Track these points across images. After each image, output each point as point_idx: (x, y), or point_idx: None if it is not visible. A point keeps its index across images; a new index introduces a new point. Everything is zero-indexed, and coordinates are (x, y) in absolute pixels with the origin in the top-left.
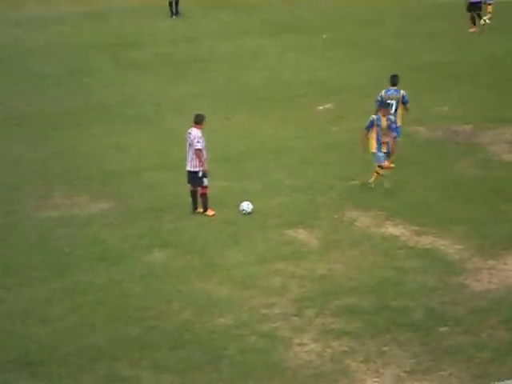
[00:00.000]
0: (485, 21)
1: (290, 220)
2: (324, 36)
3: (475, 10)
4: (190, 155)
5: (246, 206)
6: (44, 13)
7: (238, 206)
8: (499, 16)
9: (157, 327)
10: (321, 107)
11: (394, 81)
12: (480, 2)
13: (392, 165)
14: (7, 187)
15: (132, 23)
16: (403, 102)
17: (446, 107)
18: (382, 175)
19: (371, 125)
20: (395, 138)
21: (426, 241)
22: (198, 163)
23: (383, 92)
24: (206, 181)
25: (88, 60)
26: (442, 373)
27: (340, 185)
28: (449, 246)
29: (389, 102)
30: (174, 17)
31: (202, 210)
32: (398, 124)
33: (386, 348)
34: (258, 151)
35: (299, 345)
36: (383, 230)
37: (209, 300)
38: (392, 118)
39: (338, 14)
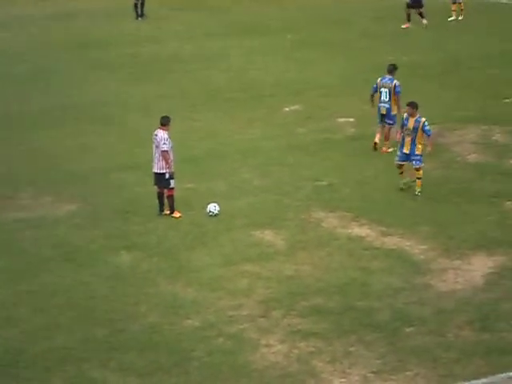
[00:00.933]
0: (425, 24)
1: (256, 221)
2: (288, 36)
3: (415, 7)
4: (157, 157)
5: (213, 207)
6: (10, 14)
7: (205, 207)
8: (466, 16)
9: (124, 329)
10: (288, 108)
11: (390, 69)
12: (420, 1)
13: (390, 149)
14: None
15: (98, 24)
16: (396, 92)
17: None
18: (401, 173)
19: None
20: (391, 125)
21: (391, 241)
22: (164, 165)
23: (379, 79)
24: (172, 182)
25: (55, 60)
26: (408, 373)
27: (307, 185)
28: (414, 247)
29: (382, 90)
30: (140, 19)
31: (168, 212)
32: (394, 112)
33: (352, 348)
34: (224, 152)
35: (266, 346)
36: (349, 231)
37: (176, 302)
38: (420, 119)
39: (305, 14)
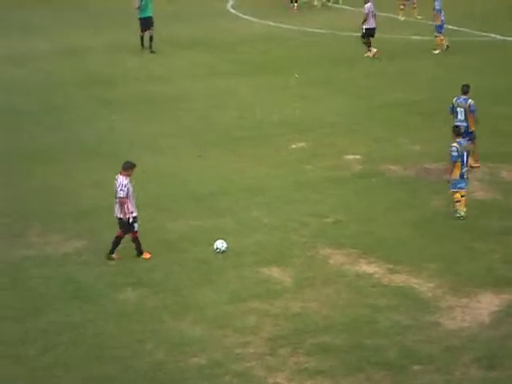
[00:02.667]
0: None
1: (263, 258)
2: (296, 75)
3: (370, 35)
4: (117, 202)
5: (220, 244)
6: (21, 50)
7: (212, 244)
8: (474, 54)
9: (131, 367)
10: (294, 146)
11: (465, 90)
12: (374, 29)
13: (477, 164)
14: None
15: (106, 61)
16: (470, 110)
17: (418, 146)
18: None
19: (457, 157)
20: (471, 141)
21: (399, 279)
22: (121, 211)
23: (454, 99)
24: (136, 226)
25: (64, 97)
26: None
27: (314, 222)
28: (422, 284)
29: (458, 109)
30: (144, 48)
31: (117, 256)
32: (472, 129)
33: None
34: (230, 189)
35: None
36: (357, 268)
37: (182, 339)
38: (463, 142)
39: (311, 53)
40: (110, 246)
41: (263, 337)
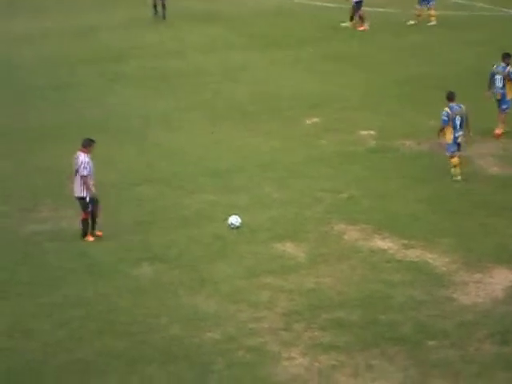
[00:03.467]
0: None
1: (278, 234)
2: (311, 50)
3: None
4: (77, 180)
5: (235, 220)
6: (30, 28)
7: (226, 220)
8: (487, 29)
9: (145, 342)
10: (308, 121)
11: (504, 57)
12: (361, 2)
13: (500, 131)
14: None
15: (119, 37)
16: (510, 78)
17: (432, 121)
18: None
19: (447, 121)
20: (505, 110)
21: (413, 254)
22: (84, 189)
23: (494, 67)
24: (90, 207)
25: (75, 74)
26: None
27: (327, 198)
28: (436, 259)
29: (496, 76)
30: (157, 15)
31: (100, 233)
32: (509, 97)
33: (374, 362)
34: (244, 165)
35: (287, 359)
36: (371, 244)
37: (197, 314)
38: (456, 107)
39: (325, 27)
40: (121, 221)
41: (277, 312)
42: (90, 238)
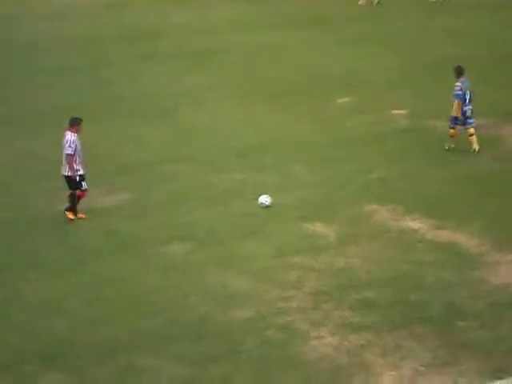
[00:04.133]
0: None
1: (308, 214)
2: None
3: None
4: (64, 159)
5: (265, 199)
6: (65, 5)
7: (255, 198)
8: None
9: (175, 320)
10: (340, 100)
11: None
12: None
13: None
14: (26, 181)
15: (150, 15)
16: None
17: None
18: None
19: (463, 95)
20: None
21: (443, 235)
22: (71, 167)
23: None
24: (84, 184)
25: (107, 52)
26: (459, 367)
27: (358, 178)
28: (467, 240)
29: None
30: None
31: (83, 216)
32: None
33: (403, 342)
34: (274, 144)
35: (316, 338)
36: (401, 224)
37: (226, 293)
38: (466, 82)
39: (359, 9)
40: (150, 200)
41: (306, 291)
42: (71, 216)
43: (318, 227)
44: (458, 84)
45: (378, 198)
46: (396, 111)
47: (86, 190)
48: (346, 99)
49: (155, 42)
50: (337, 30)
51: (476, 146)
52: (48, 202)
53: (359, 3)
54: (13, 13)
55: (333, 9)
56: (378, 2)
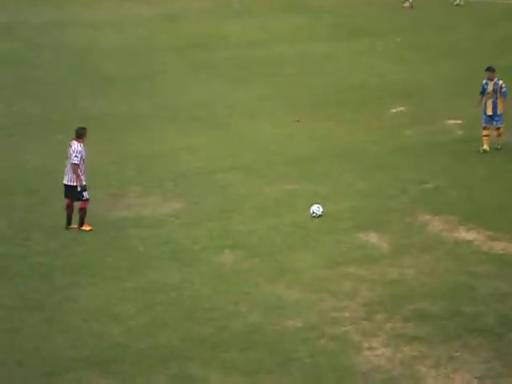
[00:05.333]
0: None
1: (361, 223)
2: (398, 39)
3: None
4: (68, 169)
5: (317, 208)
6: (120, 14)
7: (308, 208)
8: None
9: (226, 328)
10: (394, 110)
11: None
12: None
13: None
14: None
15: (204, 25)
16: None
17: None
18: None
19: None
20: None
21: (499, 246)
22: (75, 178)
23: None
24: (86, 194)
25: (163, 62)
26: None
27: (412, 188)
28: None
29: None
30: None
31: (76, 226)
32: None
33: (456, 353)
34: (328, 154)
35: (369, 349)
36: (456, 235)
37: (277, 302)
38: (499, 81)
39: (411, 17)
40: (202, 209)
41: (359, 302)
42: (88, 227)
43: (372, 237)
44: (501, 82)
45: (433, 208)
46: (451, 121)
47: (87, 200)
48: (401, 109)
49: (208, 52)
50: (385, 38)
51: (487, 147)
52: (107, 208)
53: (403, 6)
54: (64, 20)
55: (378, 17)
56: (457, 4)
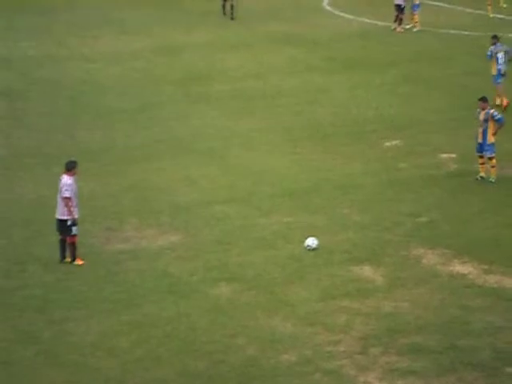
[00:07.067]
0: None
1: (355, 256)
2: (393, 71)
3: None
4: (60, 202)
5: (311, 241)
6: (117, 47)
7: (304, 241)
8: None
9: (223, 361)
10: (388, 143)
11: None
12: (400, 5)
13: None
14: (79, 220)
15: (203, 58)
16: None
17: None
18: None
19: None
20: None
21: (493, 279)
22: (66, 211)
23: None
24: (74, 230)
25: (161, 94)
26: None
27: (407, 221)
28: None
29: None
30: (224, 15)
31: (69, 260)
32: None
33: None
34: (324, 186)
35: (364, 383)
36: (450, 268)
37: (273, 336)
38: (489, 111)
39: (407, 49)
40: (199, 241)
41: (354, 335)
42: (80, 262)
43: (366, 270)
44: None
45: (427, 242)
46: (445, 155)
47: (75, 235)
48: (395, 142)
49: (206, 85)
50: (380, 72)
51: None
52: (103, 242)
53: (396, 30)
54: (61, 53)
55: (385, 53)
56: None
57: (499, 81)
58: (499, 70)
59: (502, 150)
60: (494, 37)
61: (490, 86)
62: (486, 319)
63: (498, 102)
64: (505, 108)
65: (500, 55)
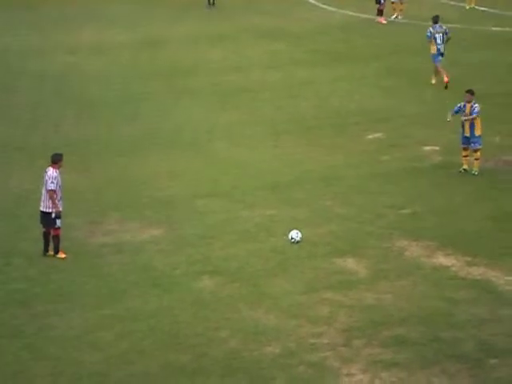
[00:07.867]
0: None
1: (338, 249)
2: (497, 138)
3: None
4: (44, 195)
5: (295, 234)
6: (101, 41)
7: (287, 234)
8: None
9: (206, 354)
10: (371, 136)
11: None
12: None
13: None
14: (68, 214)
15: (186, 52)
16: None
17: (498, 138)
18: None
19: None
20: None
21: (477, 272)
22: (50, 204)
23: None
24: (58, 222)
25: (145, 87)
26: None
27: (390, 213)
28: (500, 277)
29: (436, 35)
30: (208, 9)
31: (52, 253)
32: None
33: (435, 379)
34: (306, 179)
35: (347, 375)
36: (434, 260)
37: (257, 328)
38: (475, 105)
39: (390, 42)
40: (182, 235)
41: (337, 328)
42: (63, 255)
43: (349, 262)
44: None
45: (411, 234)
46: (428, 147)
47: (59, 228)
48: (377, 135)
49: (190, 78)
50: (363, 64)
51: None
52: (85, 235)
53: (379, 21)
54: (44, 46)
55: (368, 46)
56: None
57: (439, 59)
58: (438, 50)
59: (488, 144)
60: (435, 17)
61: (469, 78)
62: (469, 311)
63: (433, 81)
64: (446, 84)
65: (438, 36)
